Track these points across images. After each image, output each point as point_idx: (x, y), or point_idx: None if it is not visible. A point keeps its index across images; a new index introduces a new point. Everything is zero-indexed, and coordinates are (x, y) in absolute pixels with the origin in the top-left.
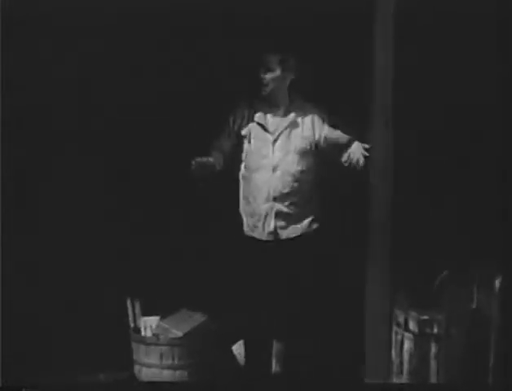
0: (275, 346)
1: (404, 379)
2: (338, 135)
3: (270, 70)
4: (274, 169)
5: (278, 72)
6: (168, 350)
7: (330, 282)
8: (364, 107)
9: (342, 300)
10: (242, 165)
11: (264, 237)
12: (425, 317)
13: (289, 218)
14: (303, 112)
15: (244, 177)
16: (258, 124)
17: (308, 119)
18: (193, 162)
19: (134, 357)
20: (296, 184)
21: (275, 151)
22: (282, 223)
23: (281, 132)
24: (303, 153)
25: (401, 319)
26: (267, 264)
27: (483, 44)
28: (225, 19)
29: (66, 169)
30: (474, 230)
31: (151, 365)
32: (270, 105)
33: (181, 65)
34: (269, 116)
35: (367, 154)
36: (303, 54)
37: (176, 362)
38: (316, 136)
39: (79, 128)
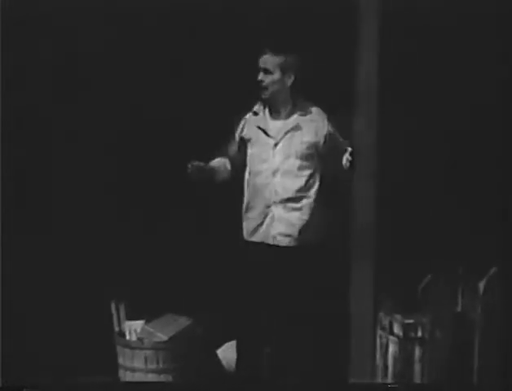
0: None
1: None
2: (339, 140)
3: (269, 73)
4: (274, 174)
5: (277, 75)
6: (153, 354)
7: (315, 286)
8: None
9: (326, 304)
10: (247, 170)
11: (259, 240)
12: (410, 320)
13: (288, 223)
14: (306, 115)
15: (247, 182)
16: (259, 128)
17: (311, 122)
18: (189, 165)
19: (119, 361)
20: (296, 188)
21: (275, 155)
22: (281, 229)
23: (283, 136)
24: (304, 157)
25: (386, 323)
26: (260, 268)
27: (483, 44)
28: (225, 19)
29: (66, 169)
30: (460, 232)
31: (135, 369)
32: (271, 108)
33: (181, 66)
34: (270, 119)
35: (350, 158)
36: (303, 55)
37: (161, 365)
38: (318, 140)
39: (79, 128)
